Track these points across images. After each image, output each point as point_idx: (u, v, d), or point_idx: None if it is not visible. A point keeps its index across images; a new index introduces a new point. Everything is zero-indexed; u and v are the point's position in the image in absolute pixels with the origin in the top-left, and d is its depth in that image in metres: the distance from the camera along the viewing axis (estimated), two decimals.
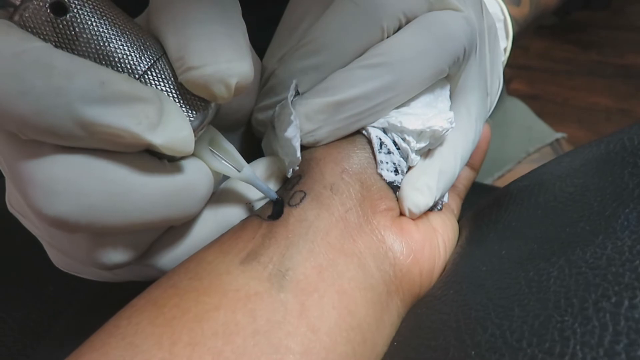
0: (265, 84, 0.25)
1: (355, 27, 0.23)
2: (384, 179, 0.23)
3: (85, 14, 0.17)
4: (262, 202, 0.23)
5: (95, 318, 0.27)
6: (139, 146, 0.18)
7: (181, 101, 0.19)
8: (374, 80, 0.22)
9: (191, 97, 0.19)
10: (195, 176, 0.20)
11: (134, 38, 0.18)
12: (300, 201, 0.22)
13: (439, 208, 0.26)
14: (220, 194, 0.24)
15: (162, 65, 0.19)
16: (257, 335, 0.18)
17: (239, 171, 0.22)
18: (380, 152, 0.24)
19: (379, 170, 0.23)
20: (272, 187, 0.24)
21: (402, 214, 0.24)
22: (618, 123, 1.11)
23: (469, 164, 0.31)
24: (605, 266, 0.17)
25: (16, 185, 0.17)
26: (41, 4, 0.17)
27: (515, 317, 0.18)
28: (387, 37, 0.23)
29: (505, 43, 0.33)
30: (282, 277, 0.19)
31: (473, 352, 0.17)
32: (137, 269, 0.22)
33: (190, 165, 0.20)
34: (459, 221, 0.28)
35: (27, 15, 0.17)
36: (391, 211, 0.23)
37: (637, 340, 0.14)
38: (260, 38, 0.26)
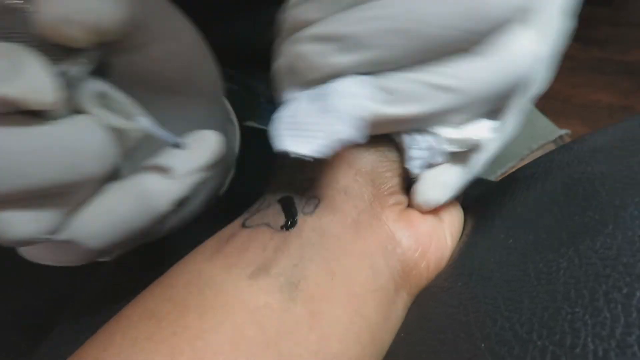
0: None
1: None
2: (411, 175, 0.23)
3: None
4: (190, 177, 0.22)
5: (96, 317, 0.27)
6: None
7: (45, 52, 0.18)
8: (440, 103, 0.20)
9: (57, 47, 0.18)
10: (77, 131, 0.19)
11: None
12: (314, 209, 0.21)
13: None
14: (143, 167, 0.22)
15: (24, 18, 0.18)
16: (267, 346, 0.17)
17: (132, 122, 0.21)
18: (411, 149, 0.22)
19: (407, 165, 0.23)
20: (201, 160, 0.22)
21: (410, 204, 0.23)
22: (621, 120, 1.10)
23: None
24: (615, 257, 0.17)
25: None
26: None
27: (525, 309, 0.17)
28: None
29: None
30: (294, 288, 0.19)
31: (483, 345, 0.17)
32: (61, 247, 0.21)
33: (70, 121, 0.19)
34: (464, 208, 0.28)
35: None
36: (399, 205, 0.23)
37: None
38: (258, 40, 0.26)
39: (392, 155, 0.23)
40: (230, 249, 0.20)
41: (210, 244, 0.22)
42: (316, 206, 0.22)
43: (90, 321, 0.28)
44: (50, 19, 0.17)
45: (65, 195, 0.20)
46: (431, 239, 0.23)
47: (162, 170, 0.22)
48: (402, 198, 0.23)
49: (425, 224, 0.23)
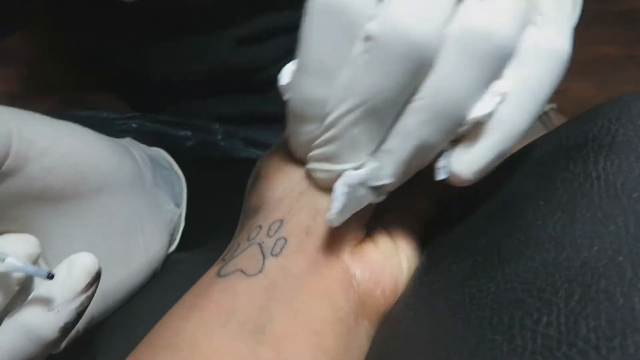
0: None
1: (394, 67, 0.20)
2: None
3: None
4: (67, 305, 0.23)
5: None
6: None
7: None
8: (428, 132, 0.21)
9: None
10: None
11: None
12: (281, 249, 0.23)
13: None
14: (26, 302, 0.23)
15: None
16: None
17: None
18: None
19: (437, 177, 0.22)
20: (77, 284, 0.23)
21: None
22: (625, 71, 1.08)
23: None
24: (532, 280, 0.18)
25: None
26: None
27: (459, 337, 0.19)
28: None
29: None
30: (260, 332, 0.20)
31: None
32: None
33: None
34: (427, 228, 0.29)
35: None
36: (355, 239, 0.25)
37: (549, 358, 0.15)
38: (230, 59, 0.26)
39: None
40: (205, 302, 0.22)
41: (187, 298, 0.23)
42: (283, 247, 0.23)
43: None
44: None
45: None
46: (384, 267, 0.24)
47: (41, 303, 0.22)
48: (359, 232, 0.25)
49: (378, 253, 0.24)
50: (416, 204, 0.29)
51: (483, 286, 0.20)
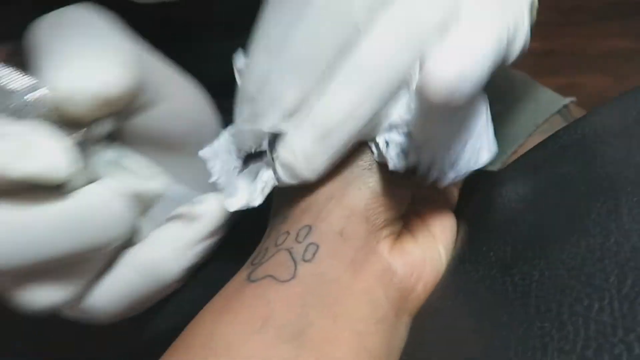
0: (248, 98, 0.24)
1: (328, 31, 0.21)
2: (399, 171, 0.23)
3: None
4: (194, 248, 0.23)
5: None
6: (9, 183, 0.18)
7: (56, 127, 0.19)
8: (350, 95, 0.21)
9: (65, 122, 0.20)
10: (91, 202, 0.20)
11: (4, 76, 0.19)
12: (313, 255, 0.22)
13: (468, 170, 0.23)
14: (149, 238, 0.23)
15: (36, 98, 0.19)
16: None
17: (147, 187, 0.22)
18: (387, 153, 0.23)
19: (392, 168, 0.23)
20: (210, 227, 0.23)
21: (389, 179, 0.23)
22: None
23: None
24: (579, 267, 0.18)
25: None
26: None
27: (503, 325, 0.18)
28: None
29: None
30: (299, 337, 0.20)
31: None
32: (83, 311, 0.23)
33: (83, 192, 0.20)
34: (457, 214, 0.28)
35: None
36: (393, 235, 0.24)
37: (604, 345, 0.15)
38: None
39: (384, 190, 0.24)
40: (238, 306, 0.22)
41: (218, 300, 0.23)
42: (315, 252, 0.22)
43: None
44: (60, 96, 0.18)
45: (83, 263, 0.21)
46: (425, 261, 0.24)
47: (169, 241, 0.23)
48: (396, 227, 0.24)
49: (418, 247, 0.24)
50: (449, 192, 0.29)
51: (526, 274, 0.19)
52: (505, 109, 0.54)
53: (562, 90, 0.56)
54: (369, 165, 0.24)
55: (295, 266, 0.22)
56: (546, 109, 0.54)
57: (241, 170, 0.25)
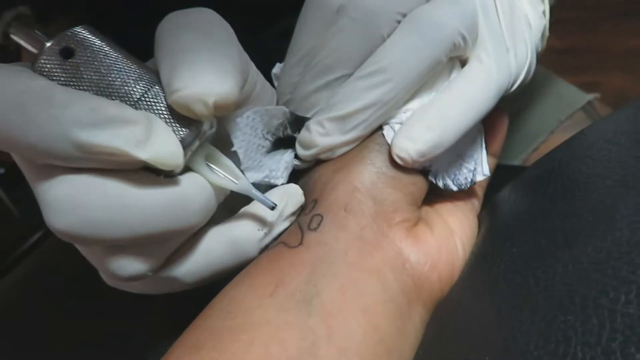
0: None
1: (357, 41, 0.25)
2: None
3: (88, 55, 0.21)
4: (272, 230, 0.25)
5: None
6: (131, 163, 0.19)
7: (172, 121, 0.21)
8: (372, 88, 0.24)
9: (182, 117, 0.21)
10: (191, 188, 0.22)
11: (130, 71, 0.21)
12: (319, 225, 0.23)
13: (466, 185, 0.26)
14: (238, 216, 0.25)
15: (156, 92, 0.21)
16: None
17: (236, 183, 0.23)
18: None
19: (394, 154, 0.24)
20: (290, 210, 0.25)
21: (393, 161, 0.24)
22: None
23: (489, 151, 0.31)
24: (605, 260, 0.17)
25: (39, 205, 0.20)
26: (53, 50, 0.21)
27: (525, 318, 0.18)
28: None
29: (542, 6, 0.31)
30: (309, 304, 0.21)
31: (487, 358, 0.18)
32: (160, 280, 0.24)
33: (186, 178, 0.22)
34: (480, 213, 0.29)
35: (42, 61, 0.20)
36: (406, 222, 0.24)
37: (631, 337, 0.14)
38: (276, 53, 0.28)
39: (391, 171, 0.25)
40: (254, 272, 0.23)
41: (245, 268, 0.24)
42: (320, 223, 0.23)
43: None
44: (184, 98, 0.20)
45: (169, 239, 0.23)
46: (440, 251, 0.24)
47: (253, 221, 0.25)
48: (410, 215, 0.24)
49: (434, 237, 0.24)
50: (472, 192, 0.29)
51: (549, 268, 0.19)
52: (526, 105, 0.54)
53: (583, 89, 0.55)
54: (379, 147, 0.25)
55: (302, 234, 0.23)
56: (569, 104, 0.53)
57: (269, 151, 0.26)
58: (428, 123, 0.24)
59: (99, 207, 0.20)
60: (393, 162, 0.25)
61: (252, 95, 0.26)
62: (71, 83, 0.21)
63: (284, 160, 0.26)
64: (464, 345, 0.20)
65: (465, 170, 0.27)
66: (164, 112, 0.21)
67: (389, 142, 0.25)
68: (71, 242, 0.22)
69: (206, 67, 0.20)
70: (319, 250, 0.22)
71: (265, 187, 0.25)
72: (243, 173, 0.24)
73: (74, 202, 0.19)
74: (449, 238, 0.25)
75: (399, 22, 0.25)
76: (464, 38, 0.25)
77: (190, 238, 0.24)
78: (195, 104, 0.20)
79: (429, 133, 0.23)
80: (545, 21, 0.30)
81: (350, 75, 0.25)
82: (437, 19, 0.24)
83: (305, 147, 0.26)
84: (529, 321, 0.18)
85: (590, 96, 0.52)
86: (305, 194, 0.26)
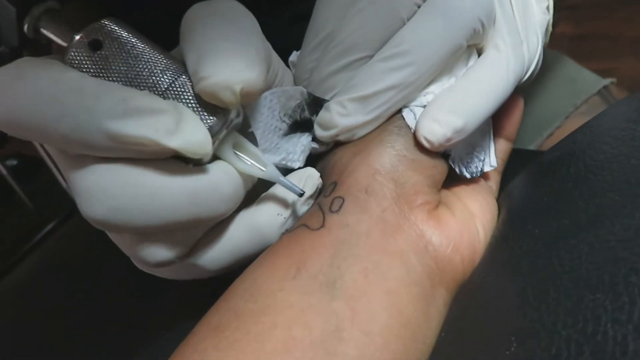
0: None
1: (376, 23, 0.25)
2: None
3: (116, 47, 0.21)
4: (292, 216, 0.25)
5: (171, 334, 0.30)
6: (161, 152, 0.20)
7: (200, 110, 0.22)
8: (393, 70, 0.24)
9: (209, 106, 0.22)
10: (219, 176, 0.22)
11: (157, 61, 0.22)
12: (340, 207, 0.23)
13: (476, 174, 0.27)
14: (258, 203, 0.25)
15: (183, 81, 0.22)
16: (315, 346, 0.19)
17: (264, 170, 0.23)
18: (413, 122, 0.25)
19: (420, 136, 0.24)
20: (308, 192, 0.25)
21: (419, 144, 0.24)
22: None
23: (503, 135, 0.31)
24: (633, 238, 0.17)
25: (72, 194, 0.21)
26: (82, 43, 0.21)
27: (551, 299, 0.18)
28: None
29: (546, 2, 0.31)
30: (332, 287, 0.20)
31: (513, 338, 0.18)
32: (185, 267, 0.25)
33: (214, 167, 0.22)
34: (498, 196, 0.28)
35: (72, 54, 0.21)
36: (428, 205, 0.24)
37: None
38: (291, 36, 0.28)
39: (412, 154, 0.24)
40: (275, 254, 0.23)
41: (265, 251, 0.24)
42: (341, 205, 0.23)
43: (169, 336, 0.31)
44: (212, 86, 0.20)
45: (197, 227, 0.24)
46: (462, 234, 0.24)
47: (274, 207, 0.25)
48: (431, 197, 0.24)
49: (456, 221, 0.24)
50: (489, 178, 0.29)
51: (573, 248, 0.19)
52: (540, 90, 0.53)
53: (598, 75, 0.54)
54: (398, 129, 0.25)
55: (324, 216, 0.23)
56: (584, 89, 0.52)
57: (286, 134, 0.26)
58: (454, 108, 0.24)
59: (130, 196, 0.20)
60: (413, 145, 0.25)
61: (275, 82, 0.26)
62: (100, 74, 0.21)
63: (301, 143, 0.26)
64: (487, 327, 0.20)
65: (476, 159, 0.27)
66: (192, 101, 0.22)
67: (409, 124, 0.25)
68: (103, 230, 0.22)
69: (232, 55, 0.20)
70: (341, 232, 0.22)
71: (281, 170, 0.25)
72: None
73: (105, 191, 0.20)
74: (469, 221, 0.24)
75: (418, 6, 0.25)
76: (482, 25, 0.25)
77: (214, 225, 0.24)
78: (222, 92, 0.20)
79: (455, 117, 0.23)
80: (549, 17, 0.30)
81: (369, 57, 0.25)
82: (459, 4, 0.24)
83: (325, 127, 0.26)
84: (555, 301, 0.18)
85: (606, 81, 0.51)
86: (323, 177, 0.26)
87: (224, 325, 0.20)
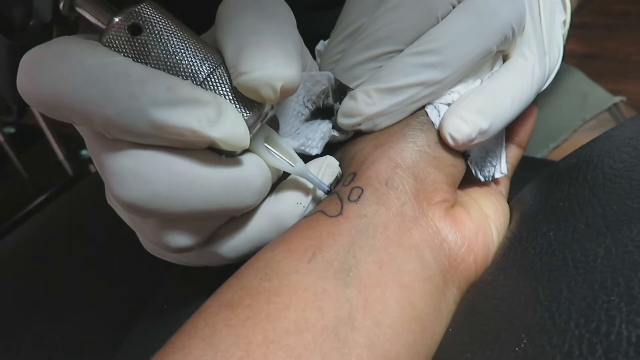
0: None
1: (411, 18, 0.25)
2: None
3: (156, 33, 0.21)
4: (311, 204, 0.25)
5: (169, 317, 0.30)
6: (201, 143, 0.20)
7: (237, 102, 0.22)
8: (423, 67, 0.24)
9: (245, 99, 0.22)
10: (251, 169, 0.22)
11: (196, 50, 0.21)
12: (359, 197, 0.23)
13: (488, 179, 0.27)
14: (278, 192, 0.25)
15: (221, 73, 0.21)
16: (326, 331, 0.19)
17: (293, 166, 0.23)
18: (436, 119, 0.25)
19: (445, 134, 0.24)
20: (326, 181, 0.25)
21: (444, 142, 0.24)
22: None
23: (515, 141, 0.31)
24: None
25: (103, 177, 0.21)
26: (121, 26, 0.21)
27: (564, 298, 0.18)
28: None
29: (564, 16, 0.32)
30: (346, 274, 0.20)
31: (523, 335, 0.18)
32: (203, 254, 0.25)
33: (246, 159, 0.22)
34: (509, 201, 0.28)
35: (110, 36, 0.21)
36: (445, 202, 0.24)
37: None
38: (309, 23, 0.28)
39: (433, 151, 0.24)
40: (292, 237, 0.22)
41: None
42: (360, 195, 0.23)
43: (166, 319, 0.31)
44: (253, 81, 0.20)
45: (224, 216, 0.24)
46: (477, 235, 0.24)
47: (294, 197, 0.25)
48: (449, 195, 0.24)
49: (471, 220, 0.24)
50: (500, 183, 0.29)
51: (589, 251, 0.19)
52: (551, 101, 0.53)
53: None
54: (421, 125, 0.25)
55: (342, 204, 0.23)
56: (595, 105, 0.52)
57: (307, 119, 0.26)
58: (482, 109, 0.24)
59: (163, 182, 0.20)
60: (435, 142, 0.24)
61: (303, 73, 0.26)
62: (140, 60, 0.21)
63: (321, 130, 0.26)
64: (497, 323, 0.20)
65: (489, 164, 0.27)
66: (229, 93, 0.22)
67: (433, 121, 0.25)
68: (131, 213, 0.22)
69: (272, 50, 0.20)
70: (359, 222, 0.22)
71: (302, 157, 0.25)
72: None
73: (139, 175, 0.20)
74: (484, 222, 0.24)
75: (453, 6, 0.25)
76: (513, 32, 0.25)
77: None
78: (263, 88, 0.20)
79: (482, 118, 0.23)
80: (564, 31, 0.30)
81: (398, 51, 0.25)
82: (494, 9, 0.24)
83: (348, 115, 0.25)
84: (568, 301, 0.18)
85: (617, 98, 0.52)
86: (342, 167, 0.26)
87: (235, 303, 0.20)
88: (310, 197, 0.25)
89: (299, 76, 0.21)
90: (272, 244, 0.23)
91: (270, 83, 0.20)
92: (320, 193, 0.25)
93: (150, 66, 0.21)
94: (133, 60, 0.20)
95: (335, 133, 0.26)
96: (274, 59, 0.20)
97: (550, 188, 0.25)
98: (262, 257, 0.22)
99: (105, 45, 0.21)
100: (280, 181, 0.26)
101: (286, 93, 0.21)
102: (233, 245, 0.24)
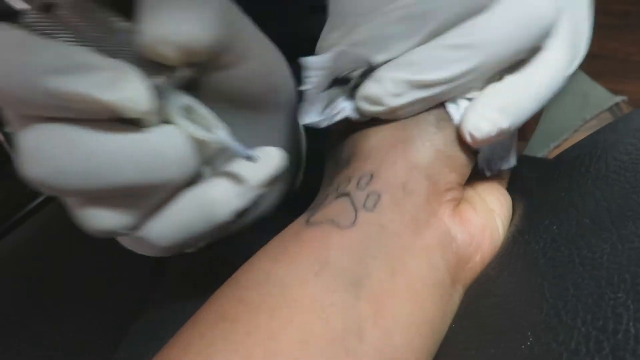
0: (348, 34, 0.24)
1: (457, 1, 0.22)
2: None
3: (68, 7, 0.21)
4: (248, 194, 0.24)
5: (168, 316, 0.29)
6: (101, 110, 0.19)
7: (141, 67, 0.20)
8: (459, 62, 0.22)
9: (152, 64, 0.21)
10: (161, 139, 0.21)
11: (106, 22, 0.21)
12: (374, 205, 0.22)
13: (494, 173, 0.26)
14: (210, 177, 0.24)
15: (127, 38, 0.21)
16: (333, 344, 0.18)
17: (213, 134, 0.22)
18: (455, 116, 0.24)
19: (466, 132, 0.23)
20: (266, 172, 0.24)
21: (461, 139, 0.23)
22: None
23: (521, 135, 0.31)
24: None
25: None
26: (35, 4, 0.20)
27: (570, 295, 0.18)
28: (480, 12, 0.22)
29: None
30: (356, 285, 0.20)
31: (529, 333, 0.18)
32: (137, 241, 0.24)
33: (158, 130, 0.21)
34: (511, 195, 0.28)
35: (27, 16, 0.20)
36: (454, 201, 0.24)
37: None
38: (311, 25, 0.27)
39: (449, 150, 0.24)
40: (296, 248, 0.21)
41: (275, 243, 0.23)
42: (376, 202, 0.22)
43: (165, 320, 0.31)
44: (149, 39, 0.19)
45: (145, 196, 0.22)
46: (484, 231, 0.23)
47: (231, 178, 0.24)
48: (458, 194, 0.24)
49: (478, 217, 0.24)
50: (501, 177, 0.28)
51: (595, 247, 0.19)
52: (551, 101, 0.53)
53: None
54: (437, 122, 0.24)
55: (356, 214, 0.22)
56: (596, 105, 0.52)
57: (323, 91, 0.25)
58: (504, 107, 0.22)
59: (67, 157, 0.19)
60: (452, 140, 0.24)
61: (244, 54, 0.23)
62: (52, 35, 0.20)
63: (337, 107, 0.25)
64: (502, 321, 0.19)
65: (497, 157, 0.27)
66: (133, 58, 0.21)
67: (453, 117, 0.24)
68: (44, 192, 0.21)
69: (176, 9, 0.19)
70: (372, 230, 0.21)
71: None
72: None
73: (43, 151, 0.19)
74: (490, 218, 0.24)
75: None
76: (546, 35, 0.23)
77: (166, 199, 0.23)
78: (161, 46, 0.19)
79: (504, 117, 0.22)
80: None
81: (437, 32, 0.23)
82: (537, 9, 0.22)
83: (372, 102, 0.24)
84: (575, 298, 0.17)
85: (618, 98, 0.52)
86: (351, 162, 0.25)
87: (234, 316, 0.19)
88: (247, 186, 0.24)
89: (206, 36, 0.20)
90: (269, 255, 0.22)
91: (168, 40, 0.19)
92: (257, 186, 0.24)
93: (63, 40, 0.20)
94: (48, 37, 0.20)
95: (356, 115, 0.25)
96: (175, 18, 0.19)
97: (552, 180, 0.25)
98: (259, 269, 0.21)
99: (23, 25, 0.20)
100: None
101: (191, 54, 0.20)
102: (161, 231, 0.23)
